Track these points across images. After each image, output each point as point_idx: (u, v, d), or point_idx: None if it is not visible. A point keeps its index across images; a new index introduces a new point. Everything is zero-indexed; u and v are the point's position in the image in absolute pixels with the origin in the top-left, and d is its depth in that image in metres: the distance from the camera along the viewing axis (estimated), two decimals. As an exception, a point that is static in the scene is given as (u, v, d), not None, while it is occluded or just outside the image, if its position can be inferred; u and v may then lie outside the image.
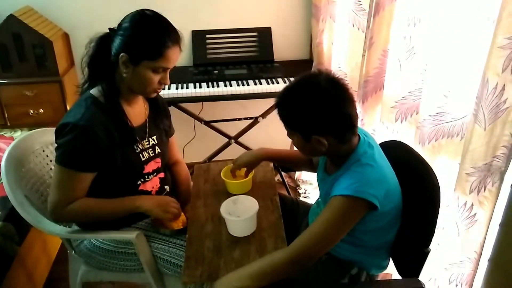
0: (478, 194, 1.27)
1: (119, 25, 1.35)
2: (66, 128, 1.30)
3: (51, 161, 1.69)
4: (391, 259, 1.40)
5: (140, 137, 1.47)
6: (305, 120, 1.16)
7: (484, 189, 1.25)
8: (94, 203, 1.40)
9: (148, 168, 1.50)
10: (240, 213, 1.36)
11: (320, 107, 1.13)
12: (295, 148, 1.30)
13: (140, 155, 1.47)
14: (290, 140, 1.25)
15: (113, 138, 1.36)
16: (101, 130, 1.33)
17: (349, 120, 1.16)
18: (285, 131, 1.23)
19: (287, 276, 1.16)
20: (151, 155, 1.51)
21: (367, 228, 1.24)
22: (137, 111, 1.48)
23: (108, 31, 1.37)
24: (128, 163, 1.43)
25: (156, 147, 1.53)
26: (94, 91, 1.39)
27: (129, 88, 1.39)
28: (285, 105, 1.20)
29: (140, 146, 1.47)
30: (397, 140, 1.45)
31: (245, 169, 1.57)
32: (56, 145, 1.35)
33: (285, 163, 1.67)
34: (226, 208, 1.37)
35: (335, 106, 1.14)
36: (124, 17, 1.35)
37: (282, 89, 1.21)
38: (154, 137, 1.53)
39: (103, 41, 1.36)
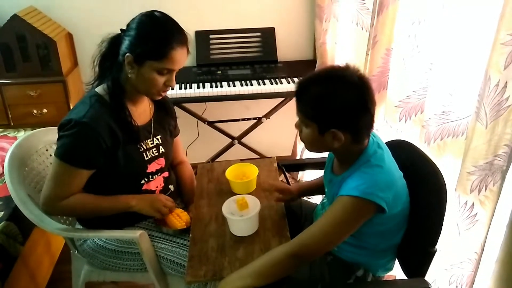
0: (479, 194, 1.25)
1: (128, 25, 1.35)
2: (69, 124, 1.30)
3: (54, 160, 1.69)
4: (397, 262, 1.39)
5: (144, 137, 1.47)
6: (330, 111, 1.12)
7: (485, 189, 1.23)
8: (90, 200, 1.40)
9: (152, 167, 1.49)
10: (243, 212, 1.36)
11: (350, 100, 1.11)
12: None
13: (144, 154, 1.46)
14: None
15: (116, 137, 1.36)
16: (104, 129, 1.32)
17: (370, 120, 1.15)
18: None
19: (288, 270, 1.15)
20: (155, 154, 1.50)
21: (374, 231, 1.23)
22: (141, 110, 1.48)
23: (119, 31, 1.37)
24: (131, 162, 1.42)
25: (160, 147, 1.53)
26: (99, 89, 1.39)
27: (135, 88, 1.39)
28: (310, 93, 1.15)
29: (144, 146, 1.46)
30: (403, 139, 1.44)
31: (254, 171, 1.56)
32: (57, 139, 1.35)
33: (314, 192, 1.63)
34: (228, 207, 1.37)
35: (364, 103, 1.12)
36: (133, 18, 1.35)
37: (306, 77, 1.17)
38: (159, 137, 1.53)
39: (114, 41, 1.37)
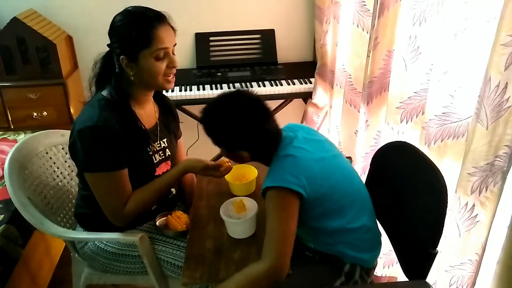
0: (479, 195, 1.25)
1: (109, 35, 1.35)
2: (84, 133, 1.29)
3: (54, 163, 1.69)
4: (398, 263, 1.38)
5: (152, 140, 1.47)
6: (227, 137, 1.25)
7: (486, 190, 1.23)
8: (147, 191, 1.41)
9: (159, 170, 1.49)
10: (240, 215, 1.35)
11: (240, 126, 1.21)
12: None
13: (153, 157, 1.46)
14: None
15: (128, 139, 1.36)
16: (118, 129, 1.32)
17: (267, 136, 1.24)
18: None
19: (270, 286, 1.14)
20: (162, 157, 1.50)
21: (315, 215, 1.26)
22: (148, 113, 1.48)
23: (108, 48, 1.37)
24: (143, 164, 1.43)
25: (167, 150, 1.53)
26: (105, 93, 1.38)
27: (144, 86, 1.39)
28: (209, 122, 1.26)
29: (153, 149, 1.46)
30: (404, 141, 1.44)
31: (253, 172, 1.59)
32: (77, 152, 1.32)
33: None
34: (225, 209, 1.36)
35: (254, 125, 1.21)
36: (110, 24, 1.35)
37: (206, 106, 1.27)
38: (165, 140, 1.52)
39: (106, 58, 1.38)
